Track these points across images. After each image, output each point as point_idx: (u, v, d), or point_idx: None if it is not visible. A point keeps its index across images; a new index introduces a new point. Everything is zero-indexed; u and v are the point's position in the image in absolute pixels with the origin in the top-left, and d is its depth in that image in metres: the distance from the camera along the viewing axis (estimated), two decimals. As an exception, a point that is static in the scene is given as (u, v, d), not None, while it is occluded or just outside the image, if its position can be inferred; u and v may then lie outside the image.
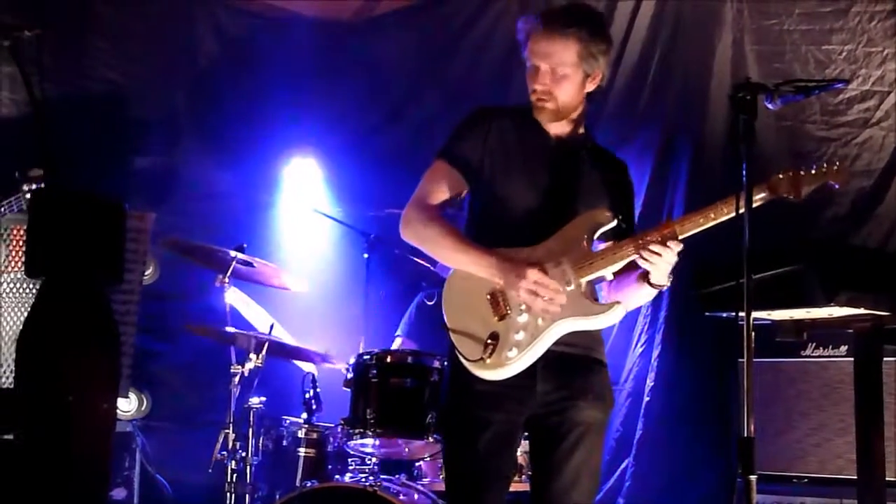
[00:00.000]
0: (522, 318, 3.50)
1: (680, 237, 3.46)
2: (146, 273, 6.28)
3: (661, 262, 3.46)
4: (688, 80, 6.66)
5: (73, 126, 6.29)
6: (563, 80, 3.63)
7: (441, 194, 3.71)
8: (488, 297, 3.55)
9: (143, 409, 6.52)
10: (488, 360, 3.49)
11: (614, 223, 3.63)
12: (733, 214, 3.38)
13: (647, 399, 6.40)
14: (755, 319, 3.16)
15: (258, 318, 5.90)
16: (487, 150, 3.70)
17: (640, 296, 3.69)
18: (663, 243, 3.44)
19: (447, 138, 3.78)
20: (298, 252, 7.17)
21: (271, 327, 5.60)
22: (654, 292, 3.62)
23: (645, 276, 3.56)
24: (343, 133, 7.41)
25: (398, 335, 6.21)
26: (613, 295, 3.70)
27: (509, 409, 3.58)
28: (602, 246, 3.64)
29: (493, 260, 3.53)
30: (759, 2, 6.47)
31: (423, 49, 7.41)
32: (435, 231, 3.64)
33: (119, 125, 6.86)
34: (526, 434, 3.75)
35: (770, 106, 3.37)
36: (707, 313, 4.99)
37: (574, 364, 3.63)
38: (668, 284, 3.59)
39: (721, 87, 6.48)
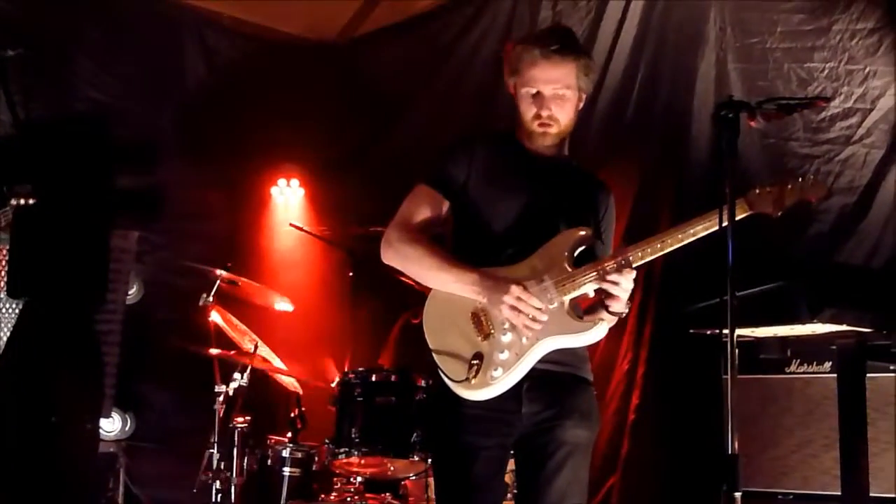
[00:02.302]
0: (506, 337, 3.50)
1: (634, 264, 3.48)
2: (130, 292, 6.26)
3: (619, 291, 3.48)
4: (672, 99, 6.67)
5: (58, 146, 6.28)
6: (564, 103, 3.67)
7: (422, 216, 3.71)
8: (471, 316, 3.55)
9: (127, 429, 6.49)
10: (473, 381, 3.47)
11: (594, 240, 3.64)
12: (691, 239, 3.45)
13: (632, 417, 6.40)
14: (739, 336, 3.17)
15: (243, 336, 5.88)
16: (472, 173, 3.70)
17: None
18: (619, 271, 3.46)
19: (429, 165, 3.79)
20: (283, 271, 7.17)
21: (256, 347, 5.59)
22: (615, 320, 3.62)
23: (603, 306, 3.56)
24: (328, 152, 7.42)
25: (382, 358, 6.19)
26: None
27: (498, 434, 3.57)
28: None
29: (475, 277, 3.52)
30: (741, 20, 6.49)
31: (408, 68, 7.42)
32: (418, 251, 3.63)
33: (105, 144, 6.85)
34: (512, 452, 3.74)
35: (753, 124, 3.38)
36: (691, 330, 5.00)
37: (560, 383, 3.62)
38: (627, 311, 3.59)
39: (705, 106, 6.50)
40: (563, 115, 3.68)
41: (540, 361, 3.53)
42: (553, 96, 3.65)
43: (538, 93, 3.66)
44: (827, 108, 6.19)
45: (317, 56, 7.61)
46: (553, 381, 3.59)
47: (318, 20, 7.59)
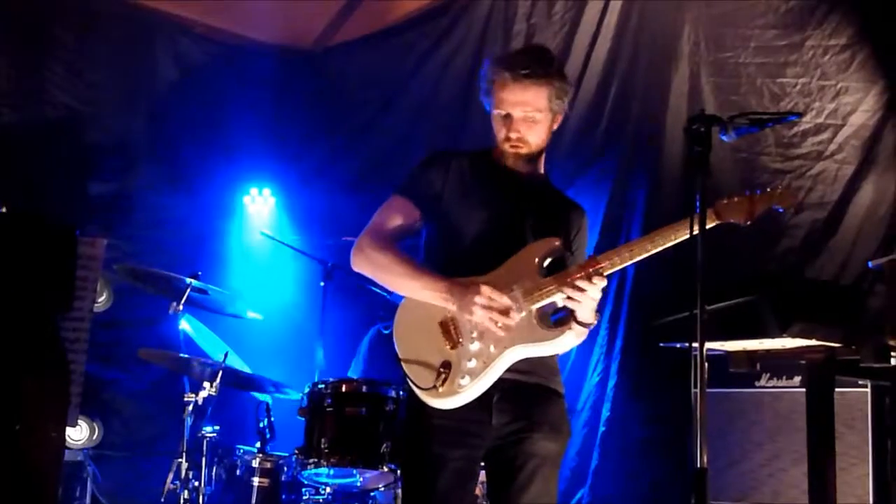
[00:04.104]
0: (474, 346, 3.50)
1: (604, 273, 3.47)
2: (99, 300, 6.22)
3: (586, 299, 3.47)
4: (645, 112, 6.70)
5: (28, 151, 6.24)
6: (535, 124, 3.68)
7: (395, 225, 3.72)
8: (440, 325, 3.55)
9: (94, 437, 6.45)
10: (441, 389, 3.48)
11: (563, 251, 3.64)
12: (660, 249, 3.46)
13: (602, 429, 6.40)
14: (709, 350, 3.16)
15: (212, 345, 5.85)
16: (447, 186, 3.72)
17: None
18: (588, 279, 3.46)
19: (405, 177, 3.79)
20: (254, 280, 7.14)
21: (225, 355, 5.56)
22: (585, 332, 3.61)
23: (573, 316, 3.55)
24: (301, 161, 7.41)
25: (352, 371, 6.18)
26: None
27: (468, 445, 3.57)
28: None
29: (445, 284, 3.54)
30: (715, 35, 6.53)
31: (382, 78, 7.43)
32: (388, 258, 3.64)
33: (74, 150, 6.81)
34: (483, 464, 3.73)
35: (724, 138, 3.39)
36: (661, 344, 5.01)
37: (530, 394, 3.62)
38: (595, 322, 3.59)
39: (678, 119, 6.52)
40: (533, 136, 3.69)
41: (510, 372, 3.53)
42: (523, 119, 3.66)
43: (508, 115, 3.67)
44: (799, 123, 6.23)
45: (291, 64, 7.59)
46: (523, 392, 3.60)
47: (293, 28, 7.58)
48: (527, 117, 3.66)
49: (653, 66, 6.70)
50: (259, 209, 7.34)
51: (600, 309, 3.56)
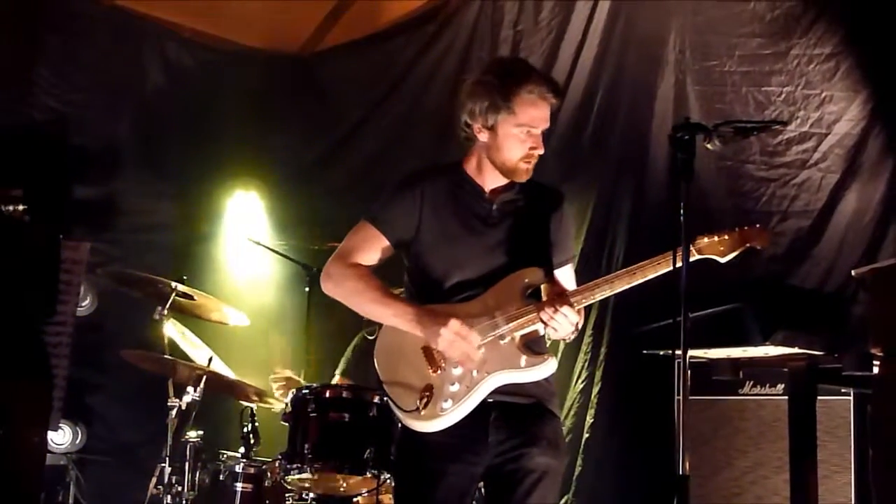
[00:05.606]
0: (457, 370, 3.54)
1: (577, 307, 3.56)
2: (83, 304, 6.21)
3: (562, 330, 3.57)
4: (630, 120, 6.71)
5: (13, 154, 6.22)
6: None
7: (362, 252, 3.73)
8: (422, 350, 3.58)
9: (77, 441, 6.43)
10: (423, 412, 3.52)
11: (546, 280, 3.66)
12: (640, 281, 3.53)
13: (586, 436, 6.40)
14: (692, 358, 3.18)
15: (197, 350, 5.84)
16: (424, 217, 3.71)
17: None
18: (558, 311, 3.52)
19: (378, 201, 3.78)
20: (240, 285, 7.12)
21: (210, 360, 5.55)
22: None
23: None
24: (286, 166, 7.40)
25: (337, 374, 6.17)
26: None
27: (465, 460, 3.59)
28: None
29: (414, 311, 3.56)
30: (701, 43, 6.54)
31: (369, 83, 7.43)
32: (359, 285, 3.66)
33: (60, 153, 6.78)
34: (482, 483, 3.74)
35: (709, 146, 3.41)
36: (644, 351, 5.02)
37: (526, 413, 3.65)
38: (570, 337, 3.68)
39: (663, 127, 6.52)
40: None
41: (507, 394, 3.59)
42: (542, 134, 3.70)
43: (539, 132, 3.69)
44: (783, 131, 6.25)
45: (278, 69, 7.59)
46: (520, 411, 3.64)
47: (280, 33, 7.58)
48: (543, 132, 3.70)
49: (639, 73, 6.71)
50: (245, 214, 7.31)
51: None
